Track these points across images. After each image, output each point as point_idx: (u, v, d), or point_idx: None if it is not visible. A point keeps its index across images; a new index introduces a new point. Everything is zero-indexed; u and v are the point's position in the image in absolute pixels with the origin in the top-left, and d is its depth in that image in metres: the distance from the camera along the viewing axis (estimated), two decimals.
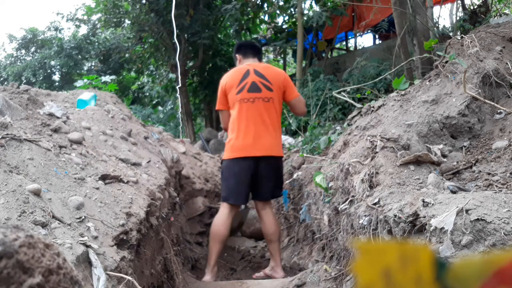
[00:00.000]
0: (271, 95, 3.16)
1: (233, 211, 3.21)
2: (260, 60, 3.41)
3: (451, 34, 4.29)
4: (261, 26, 10.35)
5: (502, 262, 0.31)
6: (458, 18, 4.72)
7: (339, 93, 3.47)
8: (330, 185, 2.43)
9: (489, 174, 1.68)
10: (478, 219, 1.16)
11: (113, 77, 6.49)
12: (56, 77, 17.64)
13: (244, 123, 3.10)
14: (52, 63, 16.85)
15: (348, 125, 3.20)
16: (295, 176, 3.52)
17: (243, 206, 3.73)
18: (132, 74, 15.12)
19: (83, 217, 1.47)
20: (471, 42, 2.47)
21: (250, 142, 3.09)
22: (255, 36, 10.63)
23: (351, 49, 11.44)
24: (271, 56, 15.80)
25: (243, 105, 3.13)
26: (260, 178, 3.16)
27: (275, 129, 3.18)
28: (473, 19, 4.26)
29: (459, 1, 5.16)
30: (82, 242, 1.31)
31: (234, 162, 3.19)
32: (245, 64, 3.27)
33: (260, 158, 3.11)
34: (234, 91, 3.17)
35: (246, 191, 3.22)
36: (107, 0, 9.67)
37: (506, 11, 5.56)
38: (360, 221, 1.68)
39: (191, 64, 10.38)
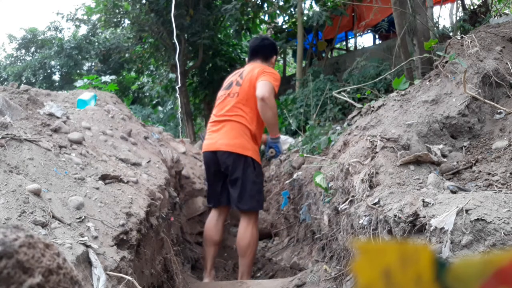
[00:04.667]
0: (238, 90, 3.04)
1: (219, 213, 3.14)
2: (262, 60, 3.21)
3: (451, 34, 4.29)
4: (261, 26, 10.34)
5: (502, 262, 0.31)
6: (458, 18, 4.71)
7: (339, 93, 3.47)
8: (330, 185, 2.43)
9: (489, 174, 1.68)
10: (478, 219, 1.16)
11: (113, 77, 6.49)
12: (56, 77, 17.66)
13: (212, 120, 3.17)
14: (52, 63, 16.87)
15: (348, 125, 3.20)
16: (295, 176, 3.52)
17: None
18: (132, 74, 15.12)
19: (83, 217, 1.47)
20: (471, 42, 2.47)
21: (211, 137, 3.09)
22: (255, 36, 10.63)
23: (351, 49, 11.44)
24: None
25: (217, 102, 3.23)
26: (228, 177, 3.02)
27: (239, 126, 2.98)
28: (473, 19, 4.26)
29: (459, 1, 5.16)
30: (82, 242, 1.31)
31: (203, 158, 3.21)
32: (247, 65, 3.28)
33: (217, 153, 3.00)
34: (220, 91, 3.29)
35: (216, 191, 3.11)
36: (107, 0, 9.66)
37: (506, 11, 5.56)
38: (360, 221, 1.68)
39: (191, 64, 10.38)
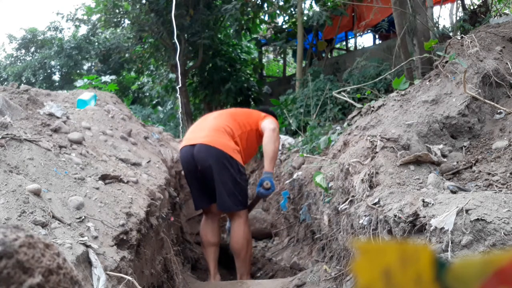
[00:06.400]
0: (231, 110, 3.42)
1: (211, 214, 3.10)
2: None
3: (451, 34, 4.29)
4: (261, 26, 10.33)
5: (502, 262, 0.31)
6: (458, 18, 4.71)
7: (339, 93, 3.47)
8: (330, 185, 2.43)
9: (489, 174, 1.68)
10: (478, 219, 1.16)
11: (113, 77, 6.48)
12: (56, 77, 17.65)
13: (193, 124, 3.29)
14: (52, 63, 16.85)
15: (348, 125, 3.20)
16: (295, 176, 3.52)
17: None
18: (132, 74, 15.11)
19: (83, 217, 1.47)
20: (471, 42, 2.47)
21: (192, 131, 3.13)
22: (255, 36, 10.63)
23: (351, 49, 11.43)
24: (271, 56, 15.80)
25: None
26: (206, 176, 2.92)
27: (223, 130, 2.98)
28: (473, 19, 4.26)
29: (459, 1, 5.16)
30: (82, 242, 1.31)
31: (180, 157, 3.13)
32: None
33: (195, 147, 2.91)
34: None
35: (199, 193, 3.04)
36: (107, 0, 9.66)
37: (506, 11, 5.56)
38: (360, 221, 1.68)
39: (191, 64, 10.37)
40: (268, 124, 3.08)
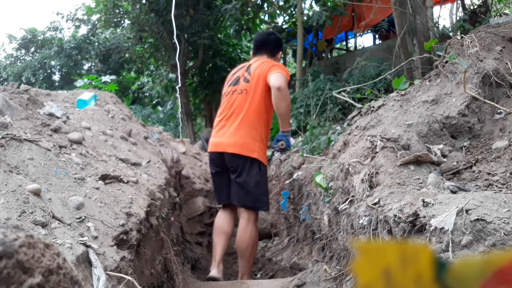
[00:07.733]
0: (246, 86, 2.99)
1: (230, 209, 3.12)
2: (268, 55, 3.14)
3: (451, 34, 4.29)
4: (261, 26, 10.34)
5: (502, 262, 0.31)
6: (458, 18, 4.71)
7: (339, 93, 3.47)
8: (330, 185, 2.43)
9: (489, 174, 1.68)
10: (478, 219, 1.16)
11: (113, 77, 6.48)
12: (56, 77, 17.67)
13: (219, 118, 3.11)
14: (52, 63, 16.87)
15: (348, 125, 3.20)
16: (295, 176, 3.52)
17: None
18: (132, 74, 15.12)
19: (83, 217, 1.47)
20: (471, 42, 2.47)
21: (219, 134, 3.06)
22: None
23: (351, 49, 11.44)
24: None
25: (224, 99, 3.15)
26: (234, 172, 3.01)
27: (247, 124, 2.94)
28: (473, 19, 4.26)
29: (459, 1, 5.16)
30: (82, 242, 1.31)
31: (209, 157, 3.22)
32: (253, 59, 3.19)
33: (223, 154, 2.99)
34: (225, 86, 3.20)
35: (223, 189, 3.10)
36: (107, 0, 9.67)
37: (506, 11, 5.56)
38: (360, 221, 1.68)
39: (191, 64, 10.38)
40: (273, 81, 2.85)
